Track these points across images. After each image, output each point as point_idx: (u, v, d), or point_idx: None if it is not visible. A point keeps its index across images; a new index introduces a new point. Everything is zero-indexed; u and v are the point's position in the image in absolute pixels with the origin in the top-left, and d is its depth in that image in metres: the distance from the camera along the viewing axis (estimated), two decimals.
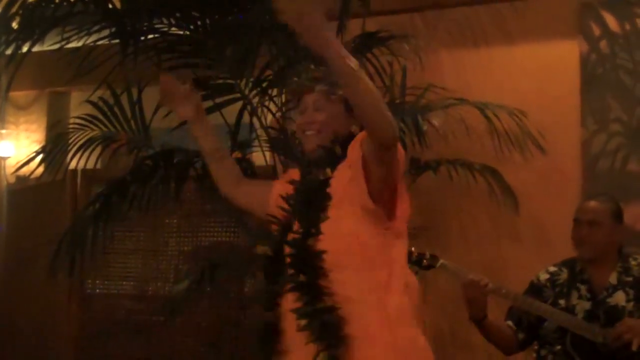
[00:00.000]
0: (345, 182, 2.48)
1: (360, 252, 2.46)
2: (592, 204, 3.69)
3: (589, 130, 4.79)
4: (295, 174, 2.73)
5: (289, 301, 2.47)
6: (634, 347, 3.39)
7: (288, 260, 2.50)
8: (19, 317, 6.59)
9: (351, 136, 2.54)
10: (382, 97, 2.41)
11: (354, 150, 2.47)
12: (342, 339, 2.36)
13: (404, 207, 2.51)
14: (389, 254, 2.49)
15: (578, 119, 4.81)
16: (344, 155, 2.53)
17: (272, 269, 2.58)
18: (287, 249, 2.52)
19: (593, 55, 4.82)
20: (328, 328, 2.37)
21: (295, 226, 2.53)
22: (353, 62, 2.29)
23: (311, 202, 2.51)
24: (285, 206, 2.60)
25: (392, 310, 2.45)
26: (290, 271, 2.48)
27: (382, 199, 2.47)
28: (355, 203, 2.46)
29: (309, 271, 2.43)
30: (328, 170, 2.54)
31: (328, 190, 2.51)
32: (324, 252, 2.44)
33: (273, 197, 2.72)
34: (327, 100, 2.58)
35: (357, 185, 2.44)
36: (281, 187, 2.70)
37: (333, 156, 2.56)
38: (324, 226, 2.48)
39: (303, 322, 2.40)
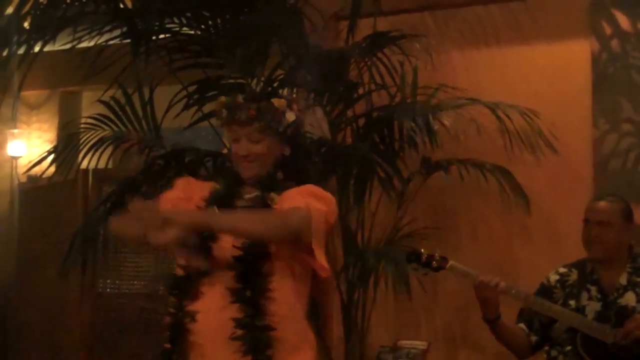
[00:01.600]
0: None
1: (292, 279, 2.65)
2: (602, 204, 3.67)
3: (600, 130, 4.77)
4: (188, 183, 2.84)
5: (217, 306, 2.57)
6: None
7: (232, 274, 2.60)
8: (30, 317, 6.62)
9: (286, 158, 2.74)
10: (259, 217, 2.59)
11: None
12: (268, 357, 2.55)
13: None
14: (308, 282, 2.73)
15: (589, 118, 4.79)
16: (286, 179, 2.72)
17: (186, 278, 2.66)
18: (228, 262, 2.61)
19: (604, 55, 4.80)
20: (260, 344, 2.54)
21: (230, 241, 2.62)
22: (218, 217, 2.54)
23: None
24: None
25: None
26: (236, 285, 2.58)
27: None
28: None
29: (256, 288, 2.57)
30: (274, 195, 2.68)
31: None
32: (271, 275, 2.60)
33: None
34: (261, 134, 2.69)
35: None
36: (173, 198, 2.75)
37: (276, 181, 2.72)
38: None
39: (238, 331, 2.54)
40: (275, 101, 2.71)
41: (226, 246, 2.60)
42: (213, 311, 2.58)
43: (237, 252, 2.58)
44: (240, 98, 2.70)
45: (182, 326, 2.61)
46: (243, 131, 2.69)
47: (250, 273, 2.58)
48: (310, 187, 2.68)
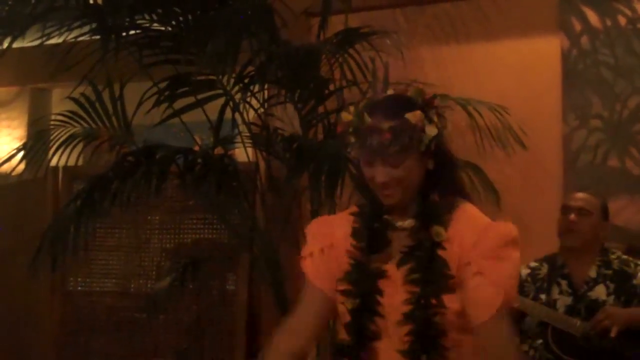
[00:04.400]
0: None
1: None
2: (583, 194, 3.73)
3: (569, 126, 4.80)
4: (321, 224, 2.43)
5: None
6: (613, 334, 3.42)
7: (405, 335, 2.21)
8: (0, 315, 6.56)
9: (430, 172, 2.29)
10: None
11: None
12: None
13: None
14: None
15: (559, 114, 4.83)
16: (441, 198, 2.31)
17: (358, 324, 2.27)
18: (395, 318, 2.24)
19: (574, 51, 4.83)
20: None
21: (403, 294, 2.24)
22: None
23: (429, 268, 2.22)
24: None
25: None
26: (409, 346, 2.20)
27: None
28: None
29: (432, 352, 2.18)
30: (439, 230, 2.25)
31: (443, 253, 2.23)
32: (446, 332, 2.19)
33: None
34: (400, 157, 2.22)
35: None
36: (316, 251, 2.37)
37: (434, 207, 2.29)
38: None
39: None
40: (411, 116, 2.21)
41: (396, 301, 2.23)
42: None
43: (407, 307, 2.20)
44: (367, 117, 2.22)
45: None
46: (377, 155, 2.22)
47: (424, 331, 2.18)
48: (492, 241, 2.32)
